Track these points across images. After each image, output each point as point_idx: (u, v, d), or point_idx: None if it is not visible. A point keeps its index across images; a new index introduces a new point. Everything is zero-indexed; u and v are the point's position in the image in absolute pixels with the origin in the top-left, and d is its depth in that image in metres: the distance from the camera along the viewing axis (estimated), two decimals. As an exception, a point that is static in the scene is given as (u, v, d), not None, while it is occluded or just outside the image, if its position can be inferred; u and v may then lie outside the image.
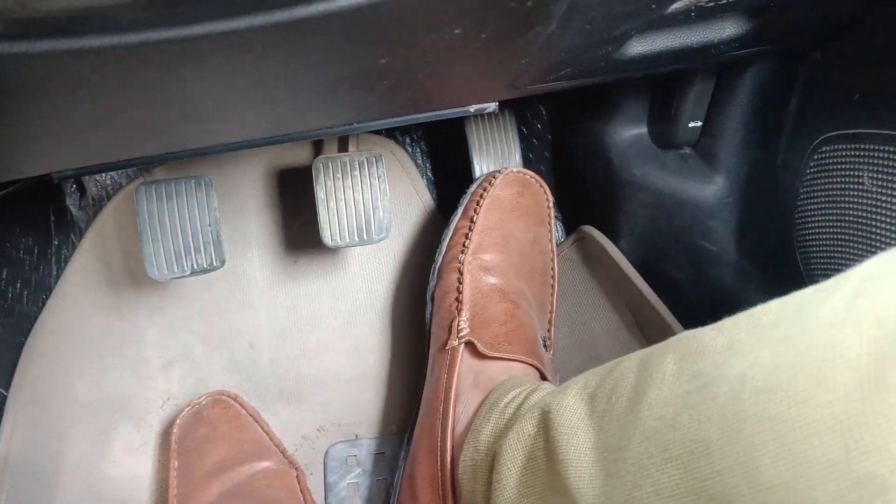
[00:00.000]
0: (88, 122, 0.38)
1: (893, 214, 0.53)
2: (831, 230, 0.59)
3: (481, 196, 0.72)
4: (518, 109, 0.83)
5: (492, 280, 0.70)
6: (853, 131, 0.56)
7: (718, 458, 0.35)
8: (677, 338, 0.43)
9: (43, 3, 0.25)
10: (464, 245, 0.71)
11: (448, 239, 0.73)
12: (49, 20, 0.26)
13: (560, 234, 0.90)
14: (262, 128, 0.49)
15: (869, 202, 0.55)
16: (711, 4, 0.42)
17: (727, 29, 0.49)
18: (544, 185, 0.75)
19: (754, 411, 0.34)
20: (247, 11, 0.29)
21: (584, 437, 0.46)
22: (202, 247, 0.66)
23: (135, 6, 0.27)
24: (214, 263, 0.66)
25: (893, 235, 0.53)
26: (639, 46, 0.48)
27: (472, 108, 0.58)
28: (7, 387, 0.74)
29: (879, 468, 0.29)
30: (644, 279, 0.74)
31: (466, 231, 0.72)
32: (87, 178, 0.81)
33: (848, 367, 0.31)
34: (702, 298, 0.72)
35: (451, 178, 0.87)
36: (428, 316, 0.74)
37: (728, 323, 0.40)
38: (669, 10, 0.42)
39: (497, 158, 0.78)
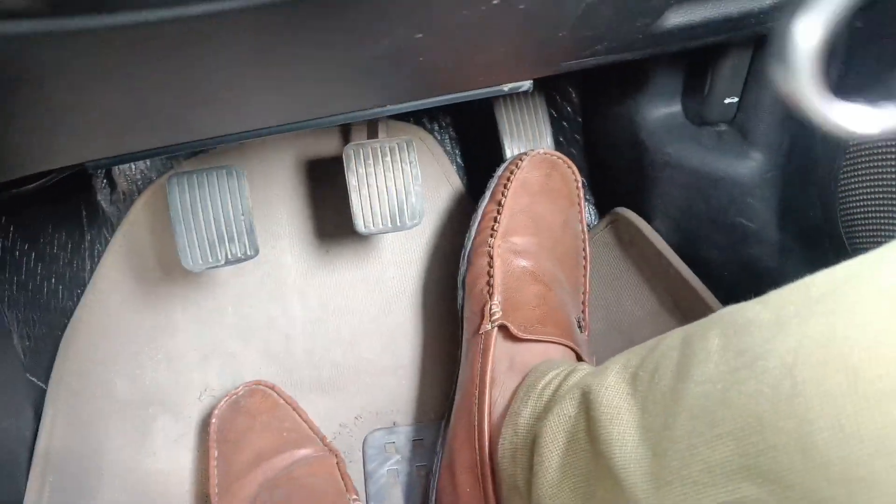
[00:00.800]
0: (118, 109, 0.38)
1: (943, 184, 0.51)
2: (877, 203, 0.58)
3: (508, 179, 0.72)
4: (548, 91, 0.82)
5: (522, 263, 0.69)
6: (899, 100, 0.54)
7: (772, 433, 0.35)
8: (720, 313, 0.42)
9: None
10: (493, 229, 0.70)
11: (477, 223, 0.73)
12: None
13: (593, 217, 0.89)
14: (293, 111, 0.48)
15: (917, 172, 0.53)
16: (754, -31, 0.41)
17: (767, -3, 0.48)
18: (572, 165, 0.74)
19: (807, 386, 0.33)
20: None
21: (628, 417, 0.45)
22: (235, 236, 0.66)
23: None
24: (249, 253, 0.66)
25: (943, 205, 0.52)
26: (676, 18, 0.47)
27: (507, 88, 0.57)
28: (46, 381, 0.75)
29: None
30: (681, 260, 0.73)
31: (495, 215, 0.71)
32: (117, 172, 0.82)
33: None
34: (741, 278, 0.71)
35: (480, 163, 0.86)
36: (460, 302, 0.73)
37: (773, 297, 0.39)
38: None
39: (528, 141, 0.77)
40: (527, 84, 0.57)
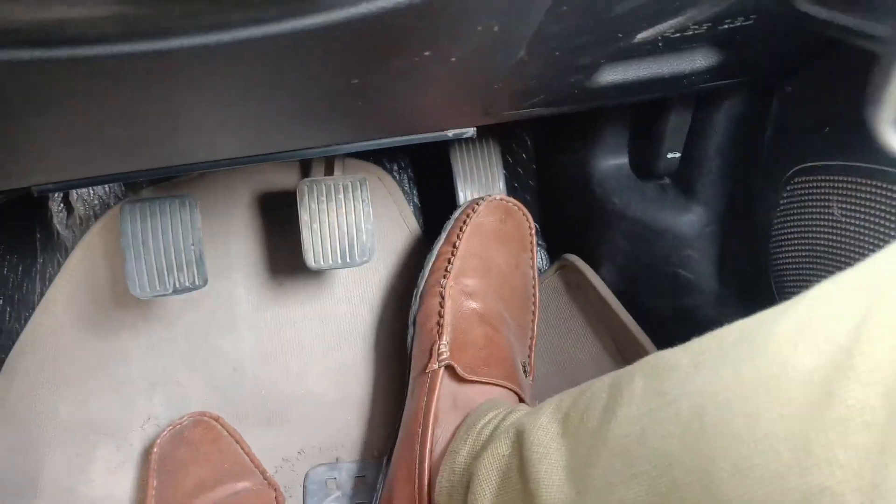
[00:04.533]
0: (64, 136, 0.39)
1: (861, 244, 0.54)
2: (803, 259, 0.60)
3: (464, 222, 0.74)
4: (503, 139, 0.85)
5: (472, 304, 0.71)
6: (823, 163, 0.57)
7: (680, 472, 0.36)
8: (647, 359, 0.44)
9: (16, 13, 0.26)
10: (446, 270, 0.72)
11: (431, 263, 0.74)
12: (22, 30, 0.27)
13: (545, 262, 0.91)
14: (240, 146, 0.50)
15: (838, 232, 0.56)
16: (677, 35, 0.44)
17: (697, 60, 0.51)
18: (527, 212, 0.76)
19: (714, 427, 0.35)
20: (217, 28, 0.30)
21: (556, 456, 0.46)
22: (185, 265, 0.66)
23: (108, 19, 0.28)
24: (197, 282, 0.67)
25: (862, 264, 0.54)
26: (610, 75, 0.49)
27: (451, 133, 0.59)
28: (-13, 403, 0.75)
29: (828, 479, 0.30)
30: (625, 306, 0.75)
31: (449, 256, 0.73)
32: (74, 197, 0.82)
33: (800, 382, 0.32)
34: (681, 326, 0.73)
35: (437, 206, 0.88)
36: (410, 340, 0.74)
37: (694, 344, 0.41)
38: (636, 40, 0.43)
39: (481, 186, 0.79)
40: (470, 131, 0.59)
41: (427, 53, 0.37)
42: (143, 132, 0.40)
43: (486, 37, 0.37)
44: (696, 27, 0.44)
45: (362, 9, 0.30)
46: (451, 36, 0.36)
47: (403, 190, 0.89)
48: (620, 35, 0.42)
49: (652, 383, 0.41)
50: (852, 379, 0.31)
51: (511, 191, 0.89)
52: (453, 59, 0.39)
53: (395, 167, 0.90)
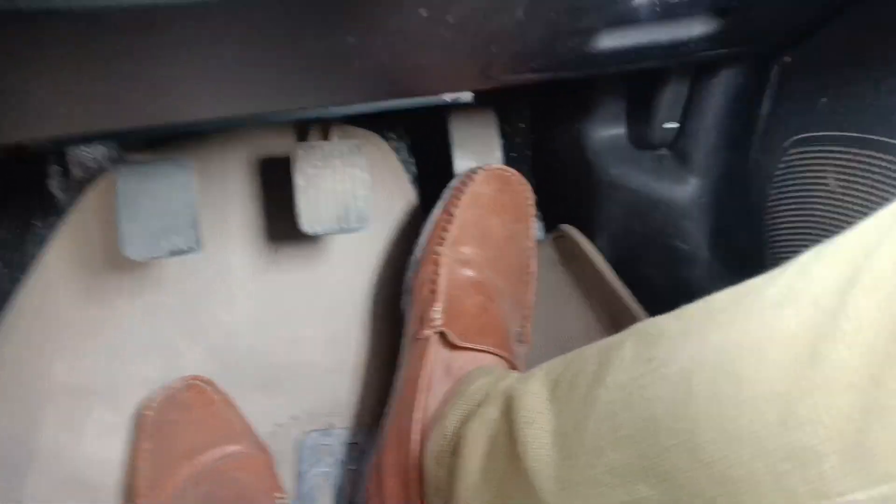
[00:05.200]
0: (58, 90, 0.39)
1: (856, 215, 0.54)
2: (798, 230, 0.60)
3: (461, 191, 0.73)
4: (501, 108, 0.85)
5: (467, 273, 0.71)
6: (819, 133, 0.57)
7: (666, 436, 0.37)
8: (637, 325, 0.45)
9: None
10: (441, 238, 0.72)
11: (427, 231, 0.74)
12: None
13: (540, 233, 0.91)
14: (236, 103, 0.49)
15: (833, 203, 0.56)
16: (675, 0, 0.44)
17: (695, 27, 0.51)
18: (525, 182, 0.76)
19: (700, 390, 0.35)
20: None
21: (545, 421, 0.47)
22: (179, 228, 0.66)
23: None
24: (192, 245, 0.67)
25: (856, 236, 0.54)
26: (608, 41, 0.49)
27: (448, 98, 0.58)
28: (-19, 364, 0.75)
29: (812, 439, 0.30)
30: (620, 277, 0.75)
31: (445, 224, 0.73)
32: (71, 160, 0.82)
33: (785, 343, 0.33)
34: (675, 297, 0.72)
35: (435, 176, 0.88)
36: (404, 306, 0.75)
37: (684, 310, 0.42)
38: (633, 4, 0.43)
39: (479, 156, 0.79)
40: (467, 95, 0.59)
41: (423, 12, 0.37)
42: (139, 87, 0.40)
43: (483, -4, 0.37)
44: (695, -8, 0.44)
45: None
46: (448, -6, 0.36)
47: (401, 159, 0.89)
48: (618, -2, 0.42)
49: (641, 349, 0.42)
50: (838, 341, 0.31)
51: (508, 160, 0.88)
52: (450, 19, 0.38)
53: (394, 136, 0.90)
